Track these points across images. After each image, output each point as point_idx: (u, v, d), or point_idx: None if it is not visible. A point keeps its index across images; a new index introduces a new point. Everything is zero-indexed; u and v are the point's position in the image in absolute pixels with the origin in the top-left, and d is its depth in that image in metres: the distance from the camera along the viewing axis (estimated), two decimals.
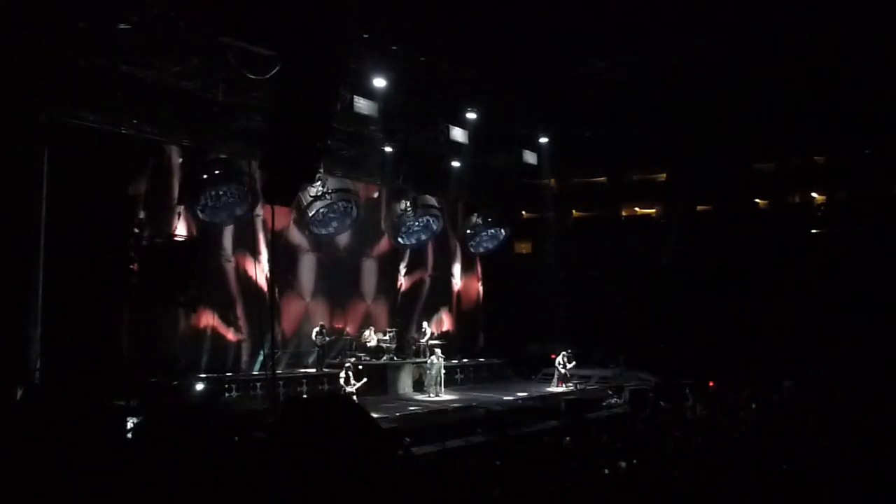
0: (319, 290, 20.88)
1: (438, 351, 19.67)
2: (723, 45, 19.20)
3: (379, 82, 17.19)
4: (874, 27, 18.59)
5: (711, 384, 21.13)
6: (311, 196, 19.12)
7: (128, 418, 7.50)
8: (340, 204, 19.81)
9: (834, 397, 17.38)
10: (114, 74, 14.12)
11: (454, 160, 21.64)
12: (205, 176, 16.54)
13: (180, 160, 17.20)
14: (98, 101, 14.58)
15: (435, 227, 22.89)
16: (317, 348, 19.15)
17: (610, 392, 20.55)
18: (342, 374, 16.66)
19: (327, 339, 19.30)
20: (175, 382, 15.46)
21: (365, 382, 16.73)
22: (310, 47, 12.24)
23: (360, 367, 17.71)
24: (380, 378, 19.17)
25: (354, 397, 15.50)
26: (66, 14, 12.75)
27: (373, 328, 20.62)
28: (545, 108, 21.59)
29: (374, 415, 12.97)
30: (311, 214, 19.39)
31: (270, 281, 17.79)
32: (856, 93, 22.60)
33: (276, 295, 18.60)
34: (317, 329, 19.14)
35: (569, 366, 21.01)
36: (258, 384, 17.16)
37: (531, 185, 26.65)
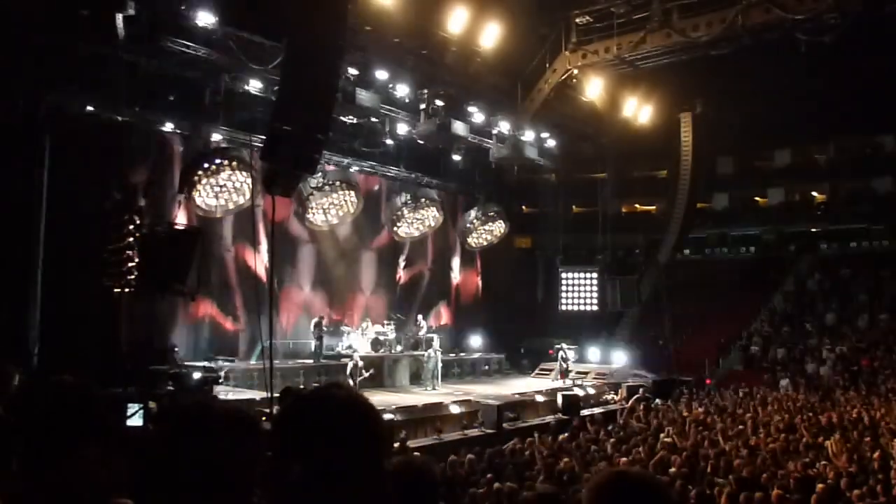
0: (318, 282, 20.88)
1: (436, 344, 19.68)
2: (723, 42, 19.20)
3: (381, 74, 17.18)
4: (877, 25, 18.60)
5: (708, 381, 21.21)
6: (311, 187, 19.11)
7: (128, 405, 7.52)
8: (341, 195, 19.80)
9: (830, 396, 17.44)
10: (116, 63, 14.10)
11: (455, 154, 21.62)
12: (205, 165, 16.51)
13: (181, 149, 17.19)
14: (100, 89, 14.56)
15: (434, 221, 22.90)
16: (315, 340, 19.15)
17: (607, 388, 20.59)
18: (350, 363, 16.69)
19: (325, 330, 19.29)
20: (173, 371, 15.47)
21: (372, 372, 16.92)
22: (312, 38, 12.22)
23: (360, 358, 17.80)
24: (377, 370, 19.18)
25: (359, 388, 15.60)
26: (68, 2, 12.74)
27: (371, 320, 20.62)
28: (546, 103, 21.61)
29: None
30: (311, 205, 19.38)
31: (270, 271, 17.79)
32: (858, 88, 22.64)
33: (276, 285, 18.59)
34: (315, 320, 19.15)
35: (571, 359, 21.03)
36: (255, 374, 17.15)
37: (532, 180, 26.67)
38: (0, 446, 1.91)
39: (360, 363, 17.02)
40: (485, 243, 24.96)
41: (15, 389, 3.44)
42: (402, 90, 18.35)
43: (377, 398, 15.90)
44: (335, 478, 1.72)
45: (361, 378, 16.63)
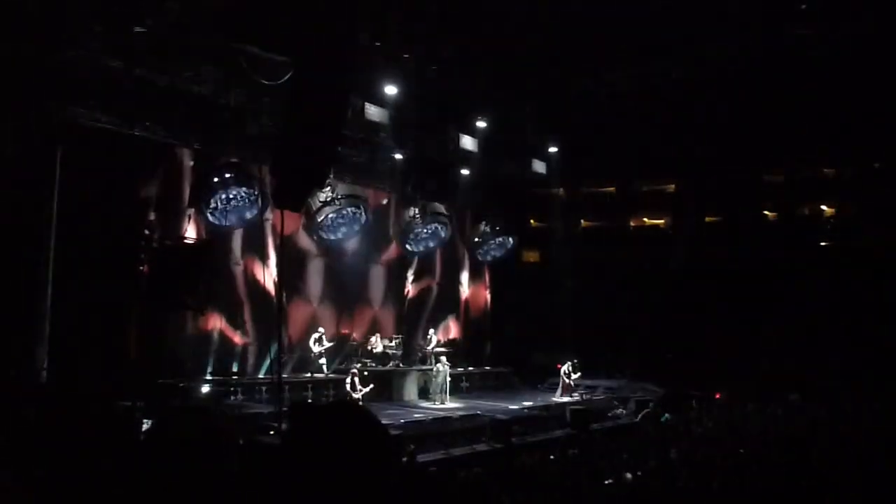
0: (327, 296, 20.89)
1: (444, 358, 19.63)
2: (732, 55, 19.24)
3: (390, 90, 17.26)
4: (885, 38, 18.60)
5: (718, 396, 21.06)
6: (320, 201, 19.17)
7: (144, 420, 7.53)
8: (349, 210, 19.86)
9: (840, 411, 17.28)
10: (128, 77, 14.22)
11: (463, 168, 21.67)
12: (215, 179, 16.60)
13: (191, 163, 17.30)
14: (111, 103, 14.67)
15: (443, 235, 22.92)
16: (313, 355, 18.87)
17: (615, 403, 20.51)
18: (348, 380, 16.67)
19: (325, 345, 19.06)
20: (181, 384, 15.52)
21: (372, 388, 16.82)
22: (322, 54, 12.30)
23: (366, 373, 17.77)
24: (385, 385, 19.14)
25: (360, 403, 15.53)
26: (82, 17, 12.87)
27: (379, 334, 20.61)
28: (554, 117, 21.65)
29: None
30: (319, 220, 19.44)
31: (278, 285, 17.84)
32: (866, 104, 22.58)
33: (284, 299, 18.63)
34: (315, 336, 18.95)
35: (574, 376, 20.96)
36: (264, 388, 17.17)
37: (540, 195, 26.68)
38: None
39: (357, 378, 16.88)
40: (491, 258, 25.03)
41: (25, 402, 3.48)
42: (410, 105, 18.40)
43: (385, 413, 15.88)
44: (339, 488, 1.73)
45: (361, 393, 16.54)
